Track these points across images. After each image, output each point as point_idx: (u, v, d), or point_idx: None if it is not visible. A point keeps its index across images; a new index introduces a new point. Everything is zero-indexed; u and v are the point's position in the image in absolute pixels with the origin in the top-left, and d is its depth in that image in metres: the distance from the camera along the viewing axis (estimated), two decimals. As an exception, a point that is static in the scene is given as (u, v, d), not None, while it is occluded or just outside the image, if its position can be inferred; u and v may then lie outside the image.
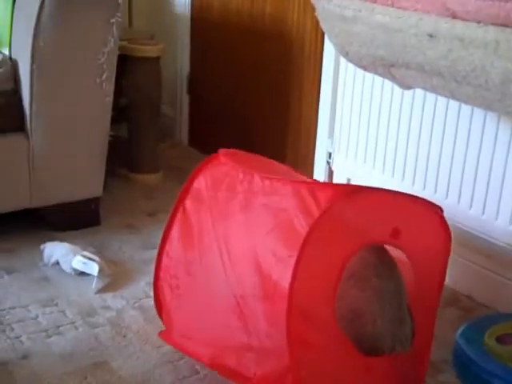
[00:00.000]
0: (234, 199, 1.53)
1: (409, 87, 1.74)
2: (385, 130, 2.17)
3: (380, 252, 1.54)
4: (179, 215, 1.63)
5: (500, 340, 1.58)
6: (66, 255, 2.02)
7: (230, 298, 1.45)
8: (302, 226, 1.35)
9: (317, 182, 1.56)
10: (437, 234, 1.56)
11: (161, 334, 1.68)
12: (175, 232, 1.63)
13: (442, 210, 1.55)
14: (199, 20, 2.99)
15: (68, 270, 2.00)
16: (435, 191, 2.06)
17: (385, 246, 1.53)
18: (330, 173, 2.38)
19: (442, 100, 1.97)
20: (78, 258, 1.99)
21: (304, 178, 1.75)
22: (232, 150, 1.70)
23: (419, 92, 2.01)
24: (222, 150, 1.67)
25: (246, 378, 1.45)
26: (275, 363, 1.38)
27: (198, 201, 1.61)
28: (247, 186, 1.51)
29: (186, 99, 3.11)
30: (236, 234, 1.49)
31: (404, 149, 2.12)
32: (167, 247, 1.63)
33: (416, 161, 2.10)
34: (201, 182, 1.62)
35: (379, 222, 1.46)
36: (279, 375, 1.38)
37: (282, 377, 1.37)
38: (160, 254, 1.64)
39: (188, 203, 1.62)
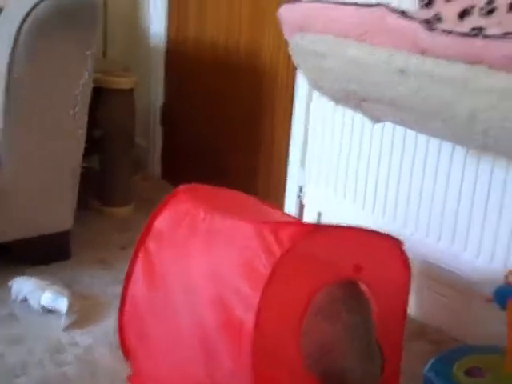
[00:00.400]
0: (196, 237, 1.52)
1: (379, 120, 1.77)
2: (355, 161, 2.19)
3: (349, 287, 1.55)
4: (141, 256, 1.63)
5: (469, 373, 1.59)
6: (34, 291, 1.99)
7: (195, 338, 1.44)
8: (264, 266, 1.35)
9: (279, 221, 1.56)
10: (397, 267, 1.59)
11: (129, 378, 1.65)
12: (138, 274, 1.62)
13: (401, 243, 1.57)
14: (174, 52, 3.01)
15: (36, 307, 1.97)
16: (405, 224, 2.07)
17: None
18: (301, 206, 2.39)
19: (411, 133, 2.00)
20: (47, 294, 1.96)
21: (271, 210, 1.76)
22: (194, 185, 1.70)
23: (389, 125, 2.04)
24: (181, 187, 1.67)
25: None
26: None
27: (159, 240, 1.61)
28: (208, 224, 1.51)
29: (159, 130, 3.11)
30: (199, 273, 1.49)
31: (374, 180, 2.14)
32: (130, 290, 1.62)
33: (386, 193, 2.12)
34: (162, 222, 1.62)
35: (342, 257, 1.48)
36: None
37: None
38: (123, 298, 1.63)
39: (150, 243, 1.62)
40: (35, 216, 2.21)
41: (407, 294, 1.62)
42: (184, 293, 1.48)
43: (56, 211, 2.25)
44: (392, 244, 1.57)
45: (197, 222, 1.54)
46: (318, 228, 1.49)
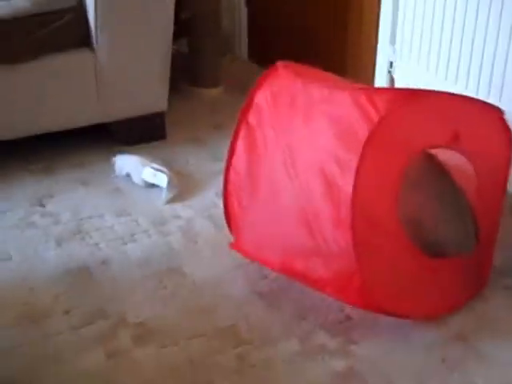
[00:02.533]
0: (295, 111, 1.55)
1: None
2: (449, 34, 2.11)
3: (431, 158, 1.56)
4: (243, 130, 1.66)
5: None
6: (135, 168, 2.10)
7: (296, 206, 1.50)
8: (362, 131, 1.38)
9: (376, 88, 1.56)
10: (498, 140, 1.56)
11: (231, 244, 1.75)
12: (240, 146, 1.67)
13: (502, 112, 1.54)
14: None
15: (138, 182, 2.09)
16: (499, 99, 2.02)
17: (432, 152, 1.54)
18: (392, 82, 2.36)
19: (509, 2, 1.91)
20: (148, 169, 2.07)
21: (365, 86, 1.75)
22: (289, 63, 1.71)
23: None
24: (279, 63, 1.68)
25: (314, 280, 1.52)
26: (342, 266, 1.44)
27: (260, 115, 1.64)
28: (307, 96, 1.54)
29: (244, 12, 3.08)
30: (299, 144, 1.53)
31: (468, 55, 2.08)
32: (234, 162, 1.68)
33: (480, 67, 2.06)
34: (261, 97, 1.64)
35: (439, 125, 1.47)
36: (346, 277, 1.44)
37: (348, 279, 1.44)
38: (227, 169, 1.69)
39: (251, 118, 1.65)
40: (131, 97, 2.29)
41: (508, 163, 1.59)
42: (285, 165, 1.53)
43: (151, 92, 2.32)
44: (494, 115, 1.54)
45: (295, 95, 1.56)
46: (414, 93, 1.47)
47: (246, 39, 3.12)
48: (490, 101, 2.00)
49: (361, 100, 1.41)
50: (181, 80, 2.76)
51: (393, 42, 2.32)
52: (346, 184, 1.37)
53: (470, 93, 2.08)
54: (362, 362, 1.44)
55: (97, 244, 1.83)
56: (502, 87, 2.01)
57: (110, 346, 1.48)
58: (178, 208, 2.00)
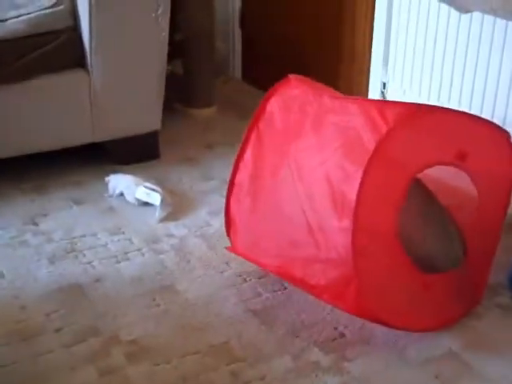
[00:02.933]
0: (305, 119, 1.57)
1: (467, 10, 1.72)
2: (441, 56, 2.14)
3: (420, 183, 1.59)
4: (253, 136, 1.68)
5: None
6: (129, 187, 2.10)
7: (298, 211, 1.51)
8: (369, 142, 1.39)
9: (386, 101, 1.58)
10: (503, 159, 1.57)
11: (228, 248, 1.75)
12: (249, 152, 1.68)
13: (509, 135, 1.55)
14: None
15: (132, 201, 2.09)
16: (491, 117, 2.04)
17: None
18: (385, 102, 2.38)
19: (500, 23, 1.93)
20: (141, 188, 2.07)
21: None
22: (300, 76, 1.73)
23: (477, 16, 1.97)
24: (291, 75, 1.71)
25: (311, 285, 1.52)
26: (340, 273, 1.45)
27: (270, 122, 1.66)
28: (317, 106, 1.56)
29: (238, 33, 3.11)
30: (306, 151, 1.54)
31: (460, 77, 2.10)
32: (241, 166, 1.69)
33: (472, 90, 2.08)
34: (273, 105, 1.67)
35: (445, 142, 1.48)
36: (343, 284, 1.44)
37: (346, 286, 1.44)
38: (234, 172, 1.69)
39: (261, 125, 1.67)
40: (125, 117, 2.30)
41: (511, 186, 1.60)
42: (290, 171, 1.55)
43: (144, 112, 2.33)
44: (499, 135, 1.55)
45: (306, 104, 1.59)
46: (424, 108, 1.48)
47: (240, 60, 3.15)
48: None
49: (371, 111, 1.43)
50: (175, 100, 2.78)
51: (385, 63, 2.35)
52: (351, 193, 1.38)
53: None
54: (355, 379, 1.44)
55: (90, 262, 1.82)
56: (494, 108, 2.03)
57: (103, 364, 1.47)
58: (171, 227, 2.00)
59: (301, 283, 1.56)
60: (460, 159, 1.48)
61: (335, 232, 1.43)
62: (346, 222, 1.38)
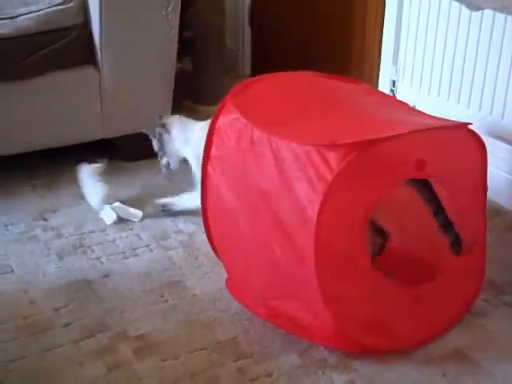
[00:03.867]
0: (250, 160, 1.50)
1: (478, 8, 1.72)
2: (451, 55, 2.14)
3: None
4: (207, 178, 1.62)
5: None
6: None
7: (261, 256, 1.52)
8: (316, 192, 1.34)
9: (326, 144, 1.37)
10: (469, 148, 1.53)
11: (227, 282, 1.71)
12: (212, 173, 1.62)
13: (467, 125, 1.49)
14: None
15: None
16: (502, 117, 2.04)
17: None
18: (395, 100, 2.37)
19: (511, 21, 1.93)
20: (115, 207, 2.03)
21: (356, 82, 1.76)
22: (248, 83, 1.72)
23: (488, 13, 1.96)
24: (232, 92, 1.70)
25: (303, 326, 1.50)
26: (317, 310, 1.43)
27: (220, 163, 1.60)
28: (262, 148, 1.47)
29: (248, 31, 3.11)
30: (258, 190, 1.48)
31: (471, 75, 2.10)
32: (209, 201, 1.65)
33: (483, 87, 2.07)
34: (218, 146, 1.61)
35: (401, 161, 1.42)
36: (322, 321, 1.45)
37: (324, 322, 1.45)
38: (204, 206, 1.66)
39: (210, 169, 1.61)
40: (135, 114, 2.31)
41: (484, 169, 1.55)
42: (245, 212, 1.53)
43: (154, 109, 2.33)
44: (459, 129, 1.51)
45: (250, 144, 1.50)
46: (368, 143, 1.34)
47: (250, 57, 3.15)
48: (492, 119, 2.03)
49: (313, 158, 1.35)
50: (184, 97, 2.78)
51: (395, 61, 2.34)
52: (308, 237, 1.35)
53: (472, 111, 2.10)
54: (362, 376, 1.44)
55: (98, 258, 1.83)
56: (504, 106, 2.02)
57: (111, 359, 1.48)
58: (180, 223, 2.01)
59: (293, 326, 1.53)
60: (420, 169, 1.43)
61: (302, 281, 1.42)
62: (309, 264, 1.36)
